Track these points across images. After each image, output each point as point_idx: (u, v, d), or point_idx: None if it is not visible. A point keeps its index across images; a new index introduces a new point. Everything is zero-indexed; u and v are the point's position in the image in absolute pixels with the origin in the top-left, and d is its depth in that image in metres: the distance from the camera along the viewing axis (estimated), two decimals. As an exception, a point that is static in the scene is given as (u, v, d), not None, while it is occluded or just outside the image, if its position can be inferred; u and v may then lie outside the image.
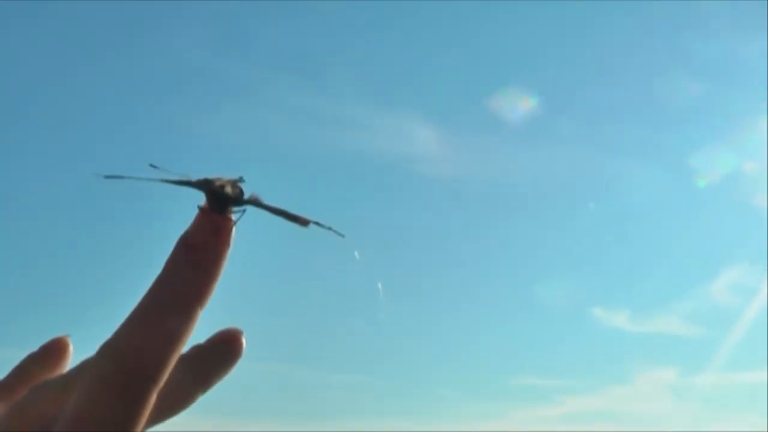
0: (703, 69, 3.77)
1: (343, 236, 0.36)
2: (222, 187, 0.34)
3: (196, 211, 0.34)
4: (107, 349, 0.29)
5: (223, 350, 0.34)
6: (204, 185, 0.34)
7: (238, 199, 0.35)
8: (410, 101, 3.86)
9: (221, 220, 0.33)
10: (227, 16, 3.53)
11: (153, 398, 0.29)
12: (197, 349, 0.34)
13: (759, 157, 3.71)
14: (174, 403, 0.33)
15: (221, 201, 0.34)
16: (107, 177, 0.34)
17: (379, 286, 0.40)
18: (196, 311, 0.31)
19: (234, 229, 0.34)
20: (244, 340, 0.35)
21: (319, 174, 3.90)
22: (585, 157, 4.04)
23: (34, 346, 0.36)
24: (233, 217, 0.34)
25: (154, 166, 0.34)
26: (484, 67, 3.96)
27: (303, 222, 0.36)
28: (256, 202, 0.35)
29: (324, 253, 3.84)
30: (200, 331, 0.32)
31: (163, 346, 0.30)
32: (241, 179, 0.36)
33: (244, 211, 0.35)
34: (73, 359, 0.36)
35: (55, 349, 0.36)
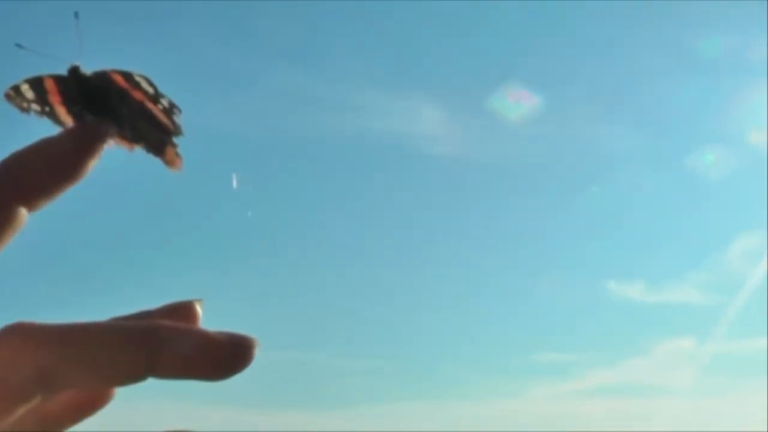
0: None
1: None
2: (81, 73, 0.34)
3: None
4: None
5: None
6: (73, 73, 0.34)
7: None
8: (416, 83, 3.84)
9: (86, 126, 0.32)
10: (230, 5, 3.51)
11: None
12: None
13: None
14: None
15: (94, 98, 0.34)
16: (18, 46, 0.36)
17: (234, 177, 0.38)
18: (9, 206, 0.29)
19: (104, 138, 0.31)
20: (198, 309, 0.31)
21: (327, 158, 3.89)
22: (592, 133, 4.01)
23: None
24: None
25: (20, 46, 0.36)
26: (490, 50, 3.94)
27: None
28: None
29: (336, 239, 3.84)
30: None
31: None
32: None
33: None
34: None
35: (183, 314, 0.31)
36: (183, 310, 0.31)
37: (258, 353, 0.28)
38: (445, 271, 4.25)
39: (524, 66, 3.93)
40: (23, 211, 0.29)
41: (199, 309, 0.32)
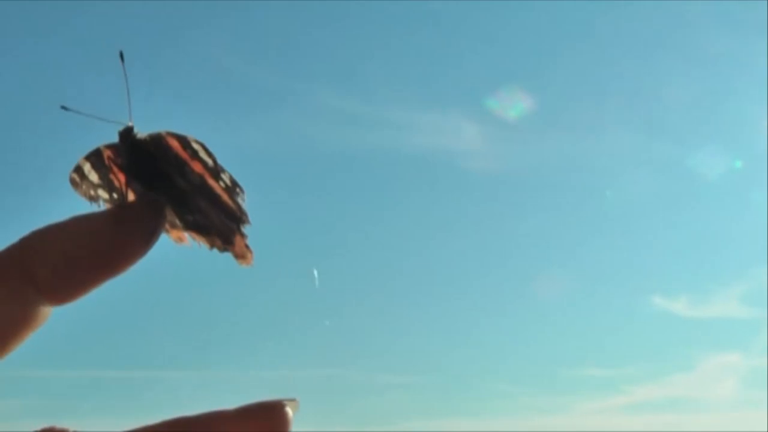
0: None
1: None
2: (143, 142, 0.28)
3: None
4: None
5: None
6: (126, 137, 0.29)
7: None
8: (449, 98, 3.85)
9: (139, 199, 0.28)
10: (261, 25, 3.57)
11: None
12: None
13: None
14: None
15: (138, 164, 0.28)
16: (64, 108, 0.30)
17: (315, 273, 0.34)
18: (24, 298, 0.24)
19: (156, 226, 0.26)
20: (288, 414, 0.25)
21: (363, 174, 3.92)
22: (632, 143, 3.98)
23: None
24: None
25: (66, 108, 0.30)
26: (518, 61, 3.94)
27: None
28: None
29: (373, 255, 3.86)
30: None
31: None
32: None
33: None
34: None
35: (269, 418, 0.25)
36: (269, 413, 0.25)
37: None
38: (485, 285, 4.24)
39: (553, 78, 3.92)
40: (44, 308, 0.25)
41: (290, 413, 0.25)
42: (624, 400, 4.34)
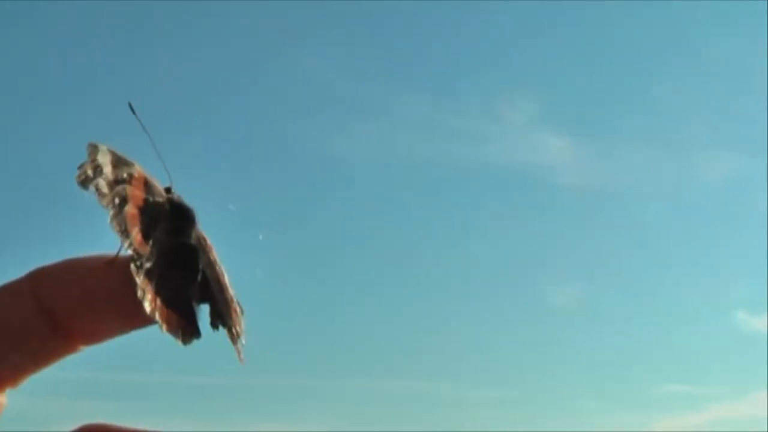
0: None
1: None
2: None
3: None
4: None
5: None
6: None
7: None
8: (539, 111, 3.88)
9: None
10: (357, 38, 3.66)
11: None
12: None
13: None
14: None
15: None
16: (131, 108, 0.30)
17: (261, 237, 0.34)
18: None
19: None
20: None
21: (454, 187, 3.95)
22: (724, 159, 3.93)
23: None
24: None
25: (132, 110, 0.30)
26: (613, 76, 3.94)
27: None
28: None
29: (462, 269, 3.89)
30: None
31: None
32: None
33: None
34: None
35: None
36: None
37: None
38: (573, 303, 4.24)
39: (650, 93, 3.91)
40: (64, 344, 0.25)
41: None
42: (705, 417, 4.26)
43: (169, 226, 0.29)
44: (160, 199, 0.29)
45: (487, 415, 4.15)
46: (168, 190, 0.29)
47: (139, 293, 0.25)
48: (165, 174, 0.30)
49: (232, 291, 0.29)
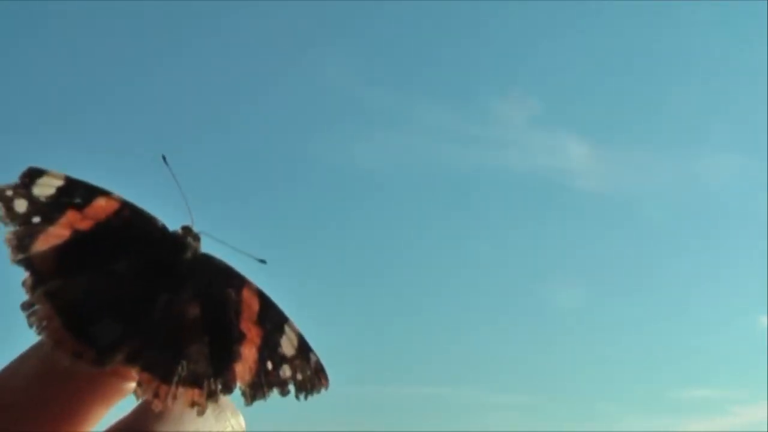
0: None
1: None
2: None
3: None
4: None
5: None
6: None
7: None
8: (562, 118, 3.86)
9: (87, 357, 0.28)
10: (376, 46, 3.66)
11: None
12: None
13: None
14: None
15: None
16: (164, 159, 0.32)
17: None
18: None
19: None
20: None
21: (474, 193, 3.95)
22: (739, 163, 3.90)
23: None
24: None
25: (165, 160, 0.31)
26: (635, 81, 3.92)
27: None
28: None
29: (486, 274, 3.89)
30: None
31: None
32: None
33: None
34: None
35: None
36: None
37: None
38: (592, 306, 4.21)
39: (669, 101, 3.89)
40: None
41: None
42: (731, 421, 4.22)
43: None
44: None
45: (508, 420, 4.14)
46: (187, 229, 0.31)
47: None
48: (188, 215, 0.31)
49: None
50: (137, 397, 0.27)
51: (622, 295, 4.17)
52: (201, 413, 0.27)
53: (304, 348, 0.30)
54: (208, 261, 0.30)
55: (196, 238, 0.30)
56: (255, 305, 0.30)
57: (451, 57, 3.70)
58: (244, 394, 0.29)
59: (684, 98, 3.80)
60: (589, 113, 3.82)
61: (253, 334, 0.30)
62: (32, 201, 0.29)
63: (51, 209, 0.29)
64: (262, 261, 0.31)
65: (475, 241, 3.85)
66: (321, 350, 0.31)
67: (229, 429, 0.27)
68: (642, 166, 3.88)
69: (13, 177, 0.29)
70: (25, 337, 0.28)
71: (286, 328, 0.30)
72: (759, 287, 4.26)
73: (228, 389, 0.29)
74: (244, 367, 0.29)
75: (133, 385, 0.27)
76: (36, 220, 0.28)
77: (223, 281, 0.30)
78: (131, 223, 0.30)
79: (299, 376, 0.30)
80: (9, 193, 0.29)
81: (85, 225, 0.29)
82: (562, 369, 4.08)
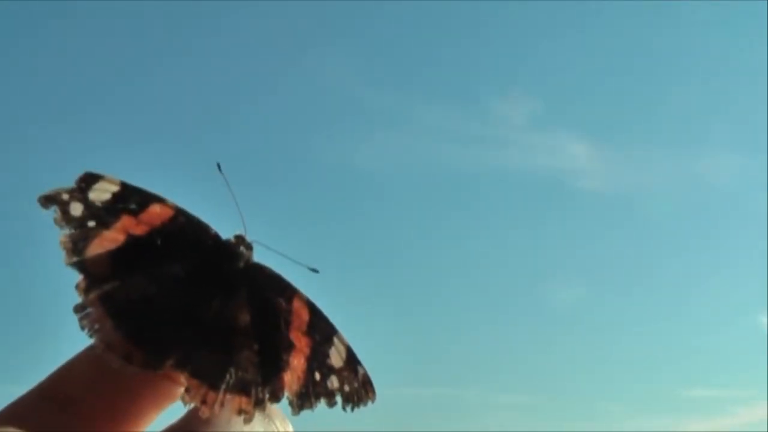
0: None
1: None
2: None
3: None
4: None
5: None
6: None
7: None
8: (562, 118, 3.87)
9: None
10: (375, 47, 3.66)
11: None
12: None
13: None
14: None
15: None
16: (219, 168, 0.32)
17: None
18: None
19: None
20: None
21: (475, 193, 3.95)
22: (742, 162, 3.90)
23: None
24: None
25: (220, 168, 0.32)
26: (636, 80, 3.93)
27: None
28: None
29: (488, 274, 3.89)
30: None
31: None
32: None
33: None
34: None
35: None
36: None
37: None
38: (597, 306, 4.21)
39: (670, 101, 3.89)
40: None
41: None
42: (731, 421, 4.22)
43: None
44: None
45: (509, 420, 4.14)
46: (240, 237, 0.31)
47: None
48: (241, 224, 0.32)
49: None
50: (185, 403, 0.28)
51: (623, 295, 4.17)
52: (248, 421, 0.28)
53: (352, 360, 0.31)
54: (260, 270, 0.31)
55: (249, 247, 0.31)
56: (305, 315, 0.31)
57: (451, 57, 3.71)
58: (291, 403, 0.30)
59: (684, 98, 3.81)
60: (589, 113, 3.82)
61: (302, 344, 0.30)
62: (88, 205, 0.29)
63: (106, 214, 0.29)
64: (314, 270, 0.32)
65: (475, 241, 3.86)
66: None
67: None
68: (642, 166, 3.89)
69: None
70: (76, 340, 0.28)
71: (335, 340, 0.31)
72: (759, 287, 4.27)
73: (275, 398, 0.30)
74: (292, 377, 0.30)
75: (182, 389, 0.28)
76: (91, 224, 0.29)
77: (274, 291, 0.31)
78: (185, 230, 0.30)
79: (347, 388, 0.31)
80: (65, 196, 0.29)
81: (139, 230, 0.30)
82: (563, 369, 4.09)
